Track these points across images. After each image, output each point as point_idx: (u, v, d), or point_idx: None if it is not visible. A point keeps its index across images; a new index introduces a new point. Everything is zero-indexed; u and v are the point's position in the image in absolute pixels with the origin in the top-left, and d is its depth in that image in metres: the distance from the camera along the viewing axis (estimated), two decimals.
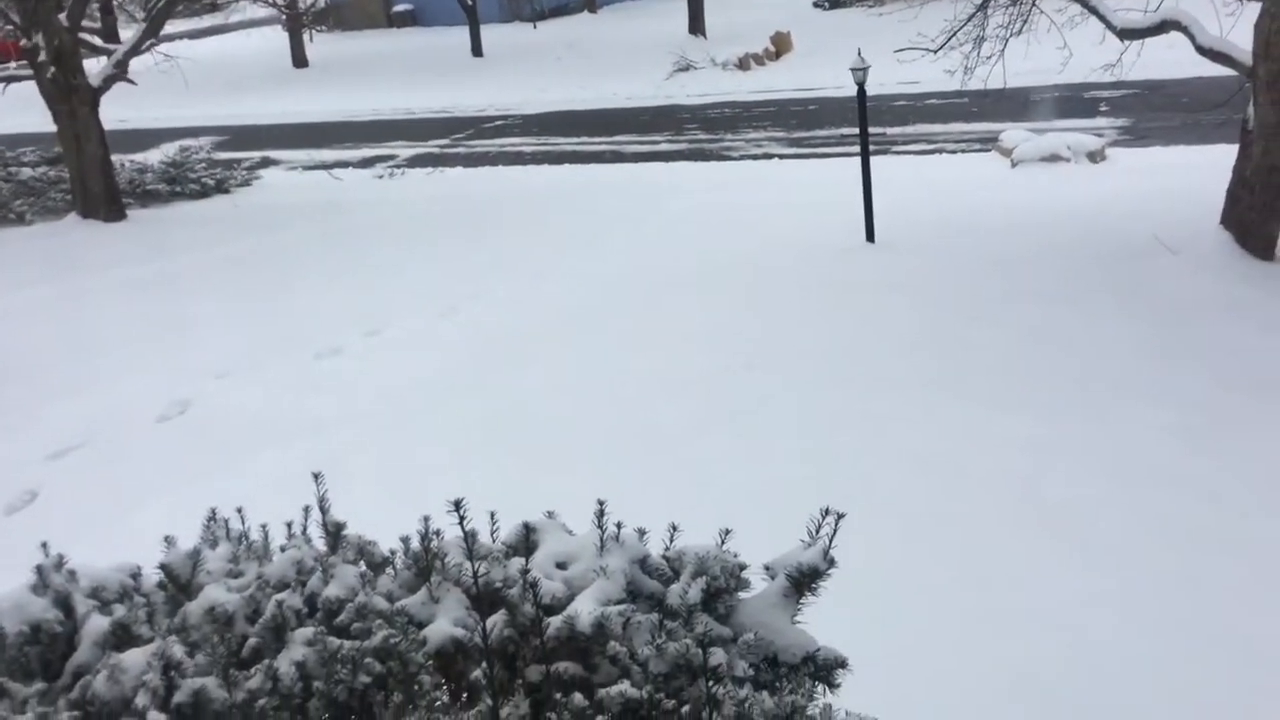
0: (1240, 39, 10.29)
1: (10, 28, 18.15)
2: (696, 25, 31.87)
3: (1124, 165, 14.78)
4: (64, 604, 2.94)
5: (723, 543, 2.87)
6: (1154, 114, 17.69)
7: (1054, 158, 15.11)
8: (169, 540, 3.10)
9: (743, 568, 2.79)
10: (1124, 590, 5.41)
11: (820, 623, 2.86)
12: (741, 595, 2.80)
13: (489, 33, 34.02)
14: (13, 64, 28.07)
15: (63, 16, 16.26)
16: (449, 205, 16.48)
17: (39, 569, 3.04)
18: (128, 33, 21.81)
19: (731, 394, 8.25)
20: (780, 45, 28.58)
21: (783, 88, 24.71)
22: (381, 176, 19.89)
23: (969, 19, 11.55)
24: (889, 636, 4.97)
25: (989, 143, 16.82)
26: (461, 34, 33.86)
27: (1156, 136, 16.30)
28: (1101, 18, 10.93)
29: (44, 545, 3.23)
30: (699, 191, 15.72)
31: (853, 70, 11.26)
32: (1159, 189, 12.70)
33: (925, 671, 4.84)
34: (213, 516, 3.38)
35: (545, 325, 10.28)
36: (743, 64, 27.30)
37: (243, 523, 3.37)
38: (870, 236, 11.77)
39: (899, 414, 7.64)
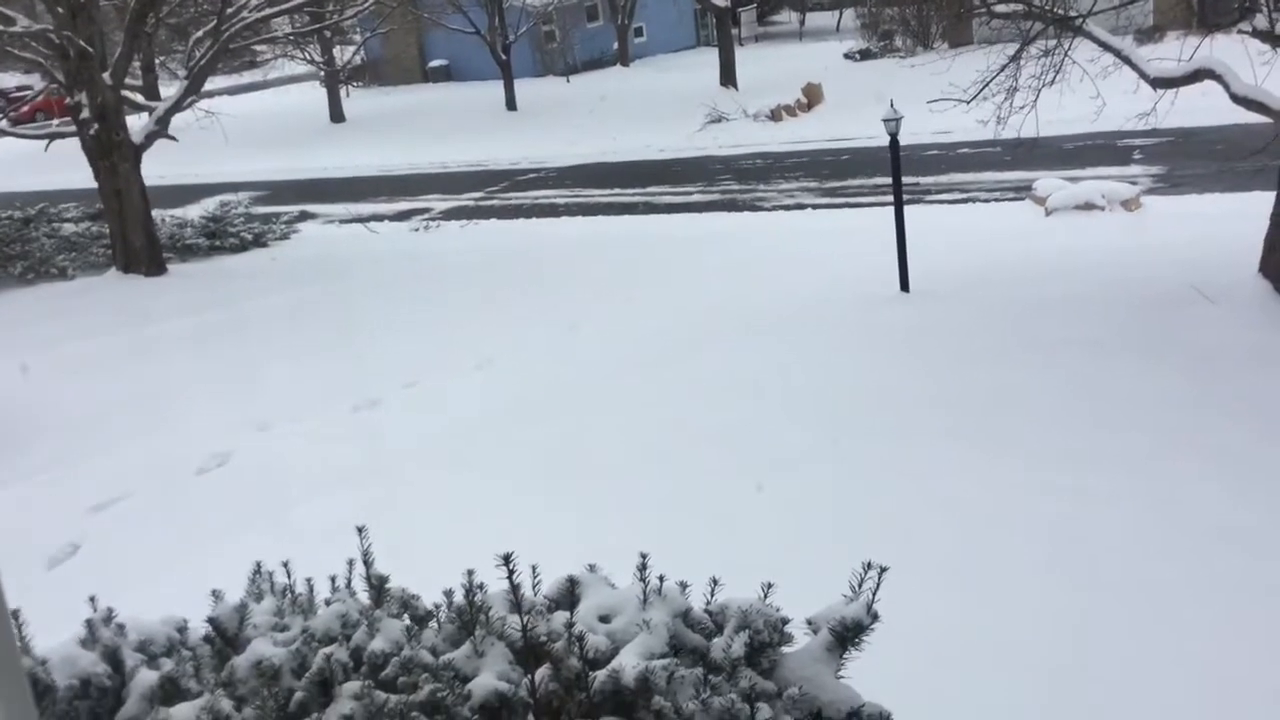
0: (1275, 87, 10.28)
1: (55, 85, 18.55)
2: (728, 77, 32.13)
3: (1159, 213, 14.73)
4: (113, 658, 2.97)
5: (765, 596, 2.87)
6: (1189, 161, 17.65)
7: (1088, 206, 15.08)
8: (216, 594, 3.13)
9: (785, 621, 2.79)
10: (1180, 644, 5.32)
11: (863, 677, 2.85)
12: (785, 649, 2.79)
13: (523, 86, 34.43)
14: (55, 121, 28.70)
15: (106, 75, 16.60)
16: (484, 258, 16.62)
17: (88, 623, 3.08)
18: (169, 90, 22.22)
19: (769, 445, 8.23)
20: (812, 96, 28.76)
21: (815, 138, 24.84)
22: (417, 230, 20.10)
23: (1001, 69, 11.59)
24: (933, 690, 4.91)
25: (1022, 191, 16.81)
26: (496, 88, 34.28)
27: (1191, 184, 16.25)
28: (1135, 67, 10.95)
29: (92, 599, 3.27)
30: (732, 242, 15.79)
31: (885, 120, 11.32)
32: (1195, 237, 12.65)
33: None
34: (258, 570, 3.41)
35: (581, 377, 10.32)
36: (775, 115, 27.48)
37: (288, 576, 3.39)
38: (905, 286, 11.77)
39: (937, 465, 7.60)
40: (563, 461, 8.37)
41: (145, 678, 2.89)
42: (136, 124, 17.92)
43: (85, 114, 16.72)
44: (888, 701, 2.76)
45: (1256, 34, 10.37)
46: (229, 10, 17.62)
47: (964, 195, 17.67)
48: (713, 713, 2.42)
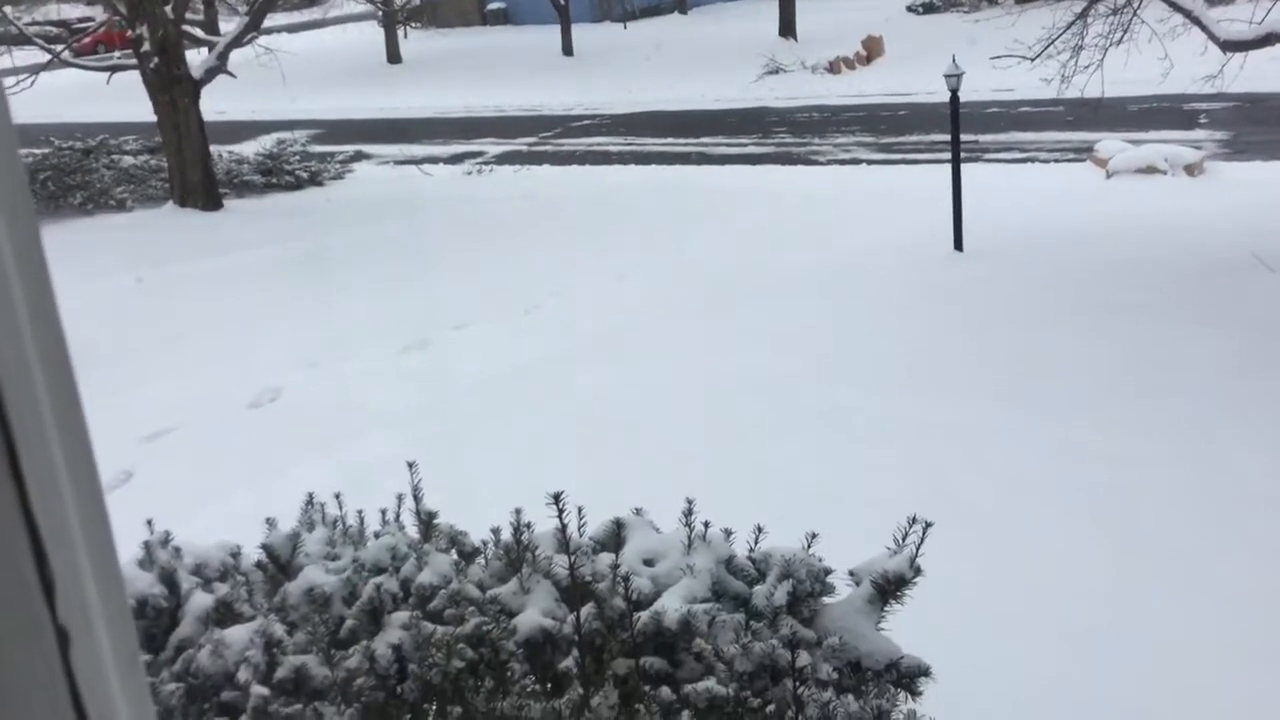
0: None
1: (117, 18, 18.69)
2: (787, 28, 31.76)
3: (1223, 179, 14.47)
4: (169, 580, 3.05)
5: (809, 546, 2.90)
6: (1255, 127, 17.29)
7: (1150, 169, 14.83)
8: (270, 522, 3.20)
9: (828, 572, 2.82)
10: (1226, 617, 5.30)
11: (902, 630, 2.87)
12: (826, 600, 2.82)
13: (580, 32, 34.23)
14: (116, 53, 28.92)
15: (168, 9, 16.70)
16: (535, 203, 16.63)
17: (146, 545, 3.16)
18: (228, 26, 22.31)
19: (815, 399, 8.24)
20: (872, 50, 28.38)
21: (873, 92, 24.54)
22: (470, 173, 20.12)
23: (1068, 27, 11.40)
24: (972, 647, 4.94)
25: (1084, 152, 16.55)
26: (553, 33, 34.12)
27: (1257, 151, 15.92)
28: (1205, 29, 10.73)
29: (149, 522, 3.35)
30: (785, 195, 15.69)
31: (946, 76, 11.18)
32: (1258, 204, 12.43)
33: (1005, 684, 4.80)
34: (310, 501, 3.48)
35: (627, 325, 10.35)
36: (833, 68, 27.16)
37: (340, 508, 3.46)
38: (959, 245, 11.67)
39: (980, 425, 7.57)
40: (607, 408, 8.42)
41: (200, 600, 2.97)
42: (196, 59, 18.04)
43: (146, 47, 16.84)
44: (923, 655, 2.79)
45: None
46: None
47: (1023, 155, 17.42)
48: (753, 657, 2.45)
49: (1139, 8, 11.23)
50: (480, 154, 21.91)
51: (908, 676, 2.65)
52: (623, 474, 6.99)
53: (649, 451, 7.53)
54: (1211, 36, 10.73)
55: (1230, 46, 10.71)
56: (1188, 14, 10.87)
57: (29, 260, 0.62)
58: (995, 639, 5.15)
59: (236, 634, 2.70)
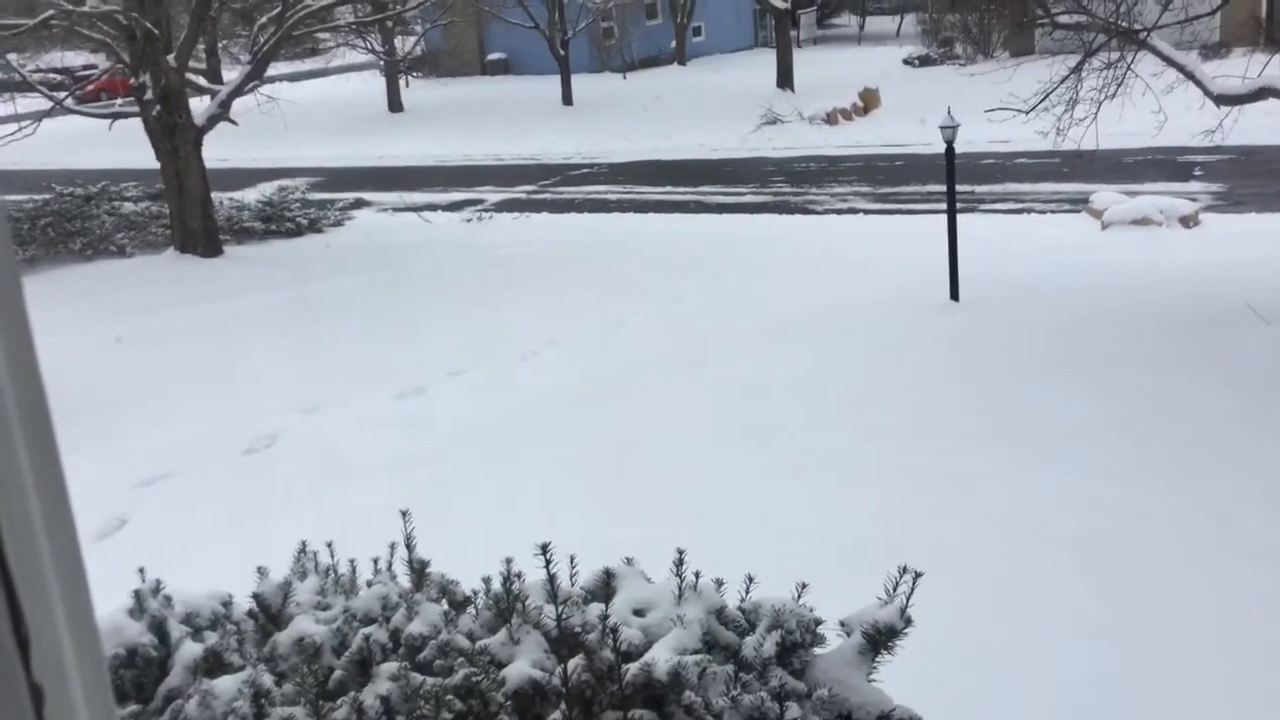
0: None
1: (120, 66, 18.85)
2: (785, 79, 32.05)
3: (1217, 231, 14.55)
4: (159, 629, 3.04)
5: (799, 597, 2.90)
6: (1249, 180, 17.42)
7: (1145, 221, 14.92)
8: (261, 571, 3.20)
9: (818, 623, 2.81)
10: (1219, 666, 5.27)
11: (895, 682, 2.86)
12: (817, 651, 2.82)
13: (579, 82, 34.54)
14: (118, 101, 29.12)
15: (171, 57, 16.84)
16: (534, 250, 16.71)
17: (136, 593, 3.15)
18: (231, 74, 22.52)
19: (813, 447, 8.23)
20: (869, 101, 28.62)
21: (870, 143, 24.73)
22: (470, 220, 20.23)
23: (1062, 81, 11.51)
24: (968, 699, 4.91)
25: (1079, 204, 16.66)
26: (553, 83, 34.42)
27: (1251, 203, 16.04)
28: (1199, 83, 10.84)
29: (141, 570, 3.34)
30: (783, 244, 15.78)
31: (942, 128, 11.27)
32: (1253, 256, 12.49)
33: None
34: (303, 549, 3.47)
35: (625, 373, 10.36)
36: (830, 119, 27.39)
37: (331, 556, 3.46)
38: (955, 294, 11.71)
39: (981, 474, 7.56)
40: (602, 456, 8.41)
41: (190, 649, 2.96)
42: (199, 107, 18.17)
43: (149, 95, 16.98)
44: (916, 706, 2.78)
45: None
46: None
47: (1019, 205, 17.53)
48: (742, 710, 2.44)
49: (1133, 62, 11.34)
50: (480, 201, 22.03)
51: None
52: (617, 520, 6.98)
53: (644, 499, 7.51)
54: (1205, 91, 10.84)
55: (1224, 100, 10.82)
56: (1181, 68, 10.99)
57: (10, 315, 0.63)
58: (987, 687, 5.12)
59: (225, 684, 2.69)
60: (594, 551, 3.35)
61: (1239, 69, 11.20)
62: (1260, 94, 10.53)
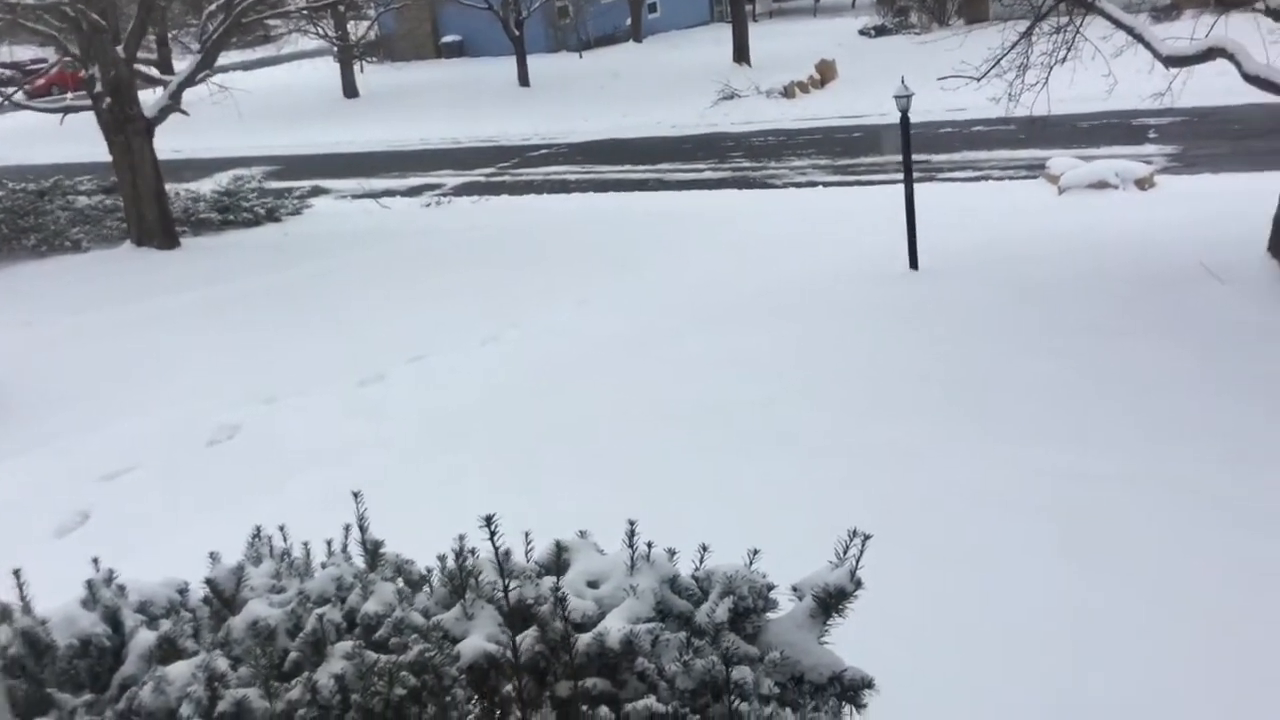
0: None
1: (68, 59, 18.60)
2: (741, 54, 31.99)
3: (1172, 192, 14.68)
4: (113, 619, 3.03)
5: (751, 563, 2.92)
6: (1203, 141, 17.57)
7: (1102, 184, 15.03)
8: (214, 556, 3.19)
9: (770, 588, 2.83)
10: (1173, 625, 5.33)
11: (852, 650, 2.88)
12: (769, 615, 2.84)
13: (535, 62, 34.35)
14: (69, 95, 28.76)
15: (119, 49, 16.63)
16: (494, 233, 16.66)
17: (89, 584, 3.14)
18: (182, 64, 22.24)
19: (772, 420, 8.27)
20: (825, 73, 28.64)
21: (827, 115, 24.77)
22: (429, 205, 20.14)
23: (1012, 46, 11.55)
24: (921, 662, 4.96)
25: (1036, 169, 16.76)
26: (508, 64, 34.22)
27: (1205, 164, 16.18)
28: (1148, 45, 10.89)
29: (95, 561, 3.33)
30: (742, 219, 15.79)
31: (896, 98, 11.31)
32: (1207, 216, 12.62)
33: (958, 697, 4.82)
34: (257, 534, 3.47)
35: (586, 353, 10.36)
36: (788, 92, 27.39)
37: (285, 540, 3.45)
38: (914, 264, 11.77)
39: (937, 442, 7.62)
40: (565, 435, 8.42)
41: (144, 638, 2.96)
42: (150, 98, 17.97)
43: (98, 88, 16.77)
44: (880, 675, 2.80)
45: (1269, 12, 10.31)
46: None
47: (977, 173, 17.62)
48: (694, 674, 2.47)
49: (1082, 25, 11.39)
50: (438, 186, 21.93)
51: (851, 689, 2.67)
52: (574, 497, 6.99)
53: (604, 474, 7.52)
54: (1154, 52, 10.89)
55: (1173, 62, 10.88)
56: (1130, 30, 11.03)
57: None
58: (952, 652, 5.17)
59: (179, 670, 2.68)
60: (552, 527, 3.35)
61: (1189, 30, 11.27)
62: (1209, 54, 10.60)
